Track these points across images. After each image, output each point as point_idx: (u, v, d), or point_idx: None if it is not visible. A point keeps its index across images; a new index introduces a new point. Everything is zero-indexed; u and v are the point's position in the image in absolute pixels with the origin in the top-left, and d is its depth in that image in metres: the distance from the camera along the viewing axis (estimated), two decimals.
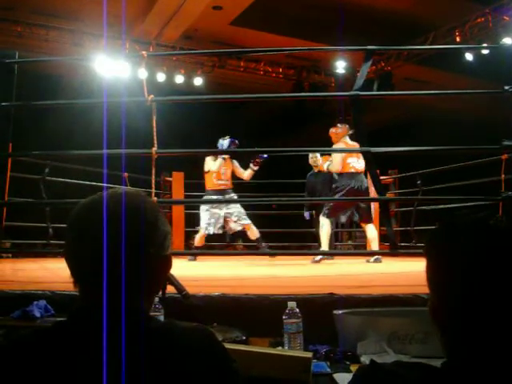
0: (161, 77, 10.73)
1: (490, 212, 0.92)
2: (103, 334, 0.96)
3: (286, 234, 9.46)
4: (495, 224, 0.91)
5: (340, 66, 11.35)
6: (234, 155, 7.01)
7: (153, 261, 1.09)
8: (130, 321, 1.00)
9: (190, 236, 8.35)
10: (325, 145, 6.42)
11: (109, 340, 0.96)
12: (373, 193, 6.72)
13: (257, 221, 8.98)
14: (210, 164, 6.96)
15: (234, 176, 7.24)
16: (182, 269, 4.57)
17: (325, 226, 6.26)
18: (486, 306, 0.86)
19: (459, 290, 0.89)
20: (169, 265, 1.16)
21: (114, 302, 1.01)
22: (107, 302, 1.00)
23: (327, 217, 6.26)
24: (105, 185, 5.62)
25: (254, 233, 6.98)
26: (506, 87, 3.30)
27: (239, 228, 6.99)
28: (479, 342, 0.88)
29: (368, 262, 6.07)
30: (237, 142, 6.79)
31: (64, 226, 1.14)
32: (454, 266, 0.91)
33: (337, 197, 6.22)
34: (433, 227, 1.01)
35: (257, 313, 2.47)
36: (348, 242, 10.71)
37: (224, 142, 6.78)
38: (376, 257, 5.95)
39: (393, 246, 3.39)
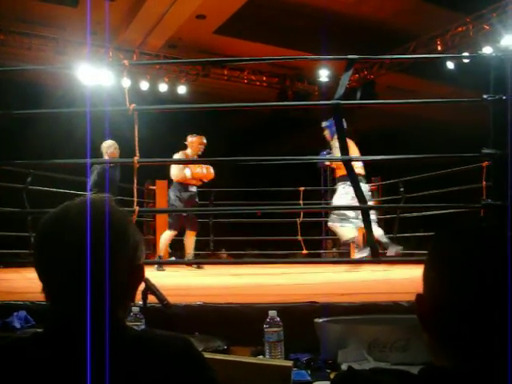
0: (144, 85, 10.71)
1: (496, 222, 0.94)
2: (79, 343, 0.96)
3: (271, 241, 9.49)
4: (500, 234, 0.92)
5: (323, 75, 11.43)
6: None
7: (125, 272, 1.09)
8: (102, 330, 1.00)
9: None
10: (310, 153, 6.47)
11: (85, 350, 0.96)
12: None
13: (241, 229, 8.98)
14: None
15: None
16: (164, 278, 4.56)
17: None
18: (478, 312, 0.87)
19: (454, 293, 0.90)
20: (142, 274, 1.16)
21: (86, 313, 1.00)
22: (80, 312, 1.00)
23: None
24: (88, 193, 5.59)
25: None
26: (485, 96, 3.34)
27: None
28: (466, 346, 0.89)
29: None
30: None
31: None
32: (454, 269, 0.91)
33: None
34: (420, 233, 1.02)
35: (238, 322, 2.47)
36: (333, 250, 10.74)
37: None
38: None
39: (374, 253, 3.40)
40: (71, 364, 0.96)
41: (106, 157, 6.37)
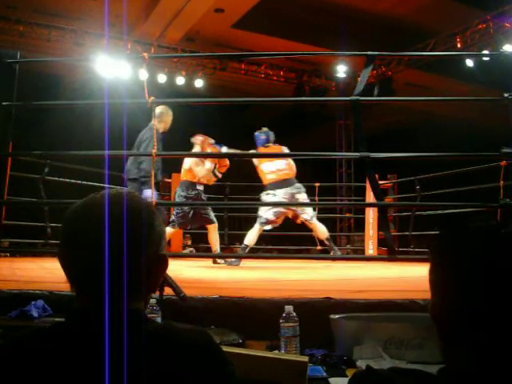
0: (162, 78, 10.73)
1: (502, 220, 0.92)
2: (103, 334, 0.96)
3: (284, 236, 9.47)
4: (507, 233, 0.91)
5: (341, 70, 11.39)
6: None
7: (151, 261, 1.10)
8: (131, 322, 1.00)
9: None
10: (325, 148, 6.44)
11: (110, 341, 0.96)
12: (372, 198, 6.74)
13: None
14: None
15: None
16: (180, 271, 4.57)
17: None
18: (488, 314, 0.86)
19: (463, 295, 0.89)
20: (166, 264, 1.16)
21: (114, 303, 1.01)
22: (105, 303, 1.01)
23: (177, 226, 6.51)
24: (107, 185, 5.61)
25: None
26: (506, 94, 3.30)
27: None
28: (479, 348, 0.88)
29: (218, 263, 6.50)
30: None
31: None
32: (460, 271, 0.90)
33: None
34: (435, 231, 1.01)
35: (254, 316, 2.48)
36: (347, 246, 10.73)
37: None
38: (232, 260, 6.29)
39: (391, 250, 3.39)
40: (94, 354, 0.96)
41: (159, 124, 5.40)
